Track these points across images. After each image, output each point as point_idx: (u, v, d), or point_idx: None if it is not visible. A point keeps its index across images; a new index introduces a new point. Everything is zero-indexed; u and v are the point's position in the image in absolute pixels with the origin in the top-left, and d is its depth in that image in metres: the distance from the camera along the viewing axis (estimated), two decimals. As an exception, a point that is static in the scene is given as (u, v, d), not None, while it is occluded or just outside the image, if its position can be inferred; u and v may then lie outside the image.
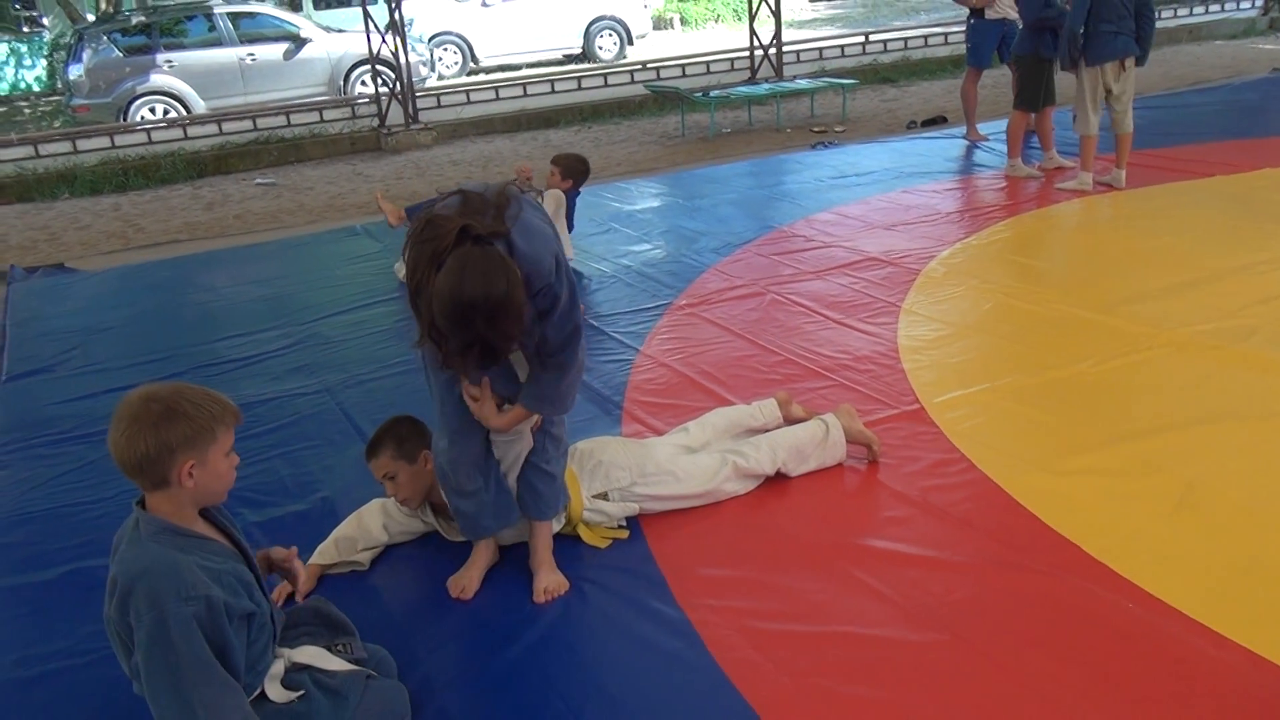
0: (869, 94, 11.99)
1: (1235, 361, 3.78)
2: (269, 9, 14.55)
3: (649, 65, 13.62)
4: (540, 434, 2.69)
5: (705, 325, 4.59)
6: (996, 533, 2.82)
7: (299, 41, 13.30)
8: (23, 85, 20.16)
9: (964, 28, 8.32)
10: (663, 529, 2.96)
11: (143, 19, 13.60)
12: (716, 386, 3.92)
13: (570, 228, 5.54)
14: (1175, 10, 15.46)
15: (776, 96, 10.65)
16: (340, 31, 13.85)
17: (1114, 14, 5.98)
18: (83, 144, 10.75)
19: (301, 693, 2.07)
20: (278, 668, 2.09)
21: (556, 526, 2.88)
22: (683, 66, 13.26)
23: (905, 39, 14.55)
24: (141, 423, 1.88)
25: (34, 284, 6.42)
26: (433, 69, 15.15)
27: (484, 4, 16.55)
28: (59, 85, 16.19)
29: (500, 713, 2.30)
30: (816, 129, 10.06)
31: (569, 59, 17.10)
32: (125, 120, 12.10)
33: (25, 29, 21.67)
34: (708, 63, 13.31)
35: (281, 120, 11.46)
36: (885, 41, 14.32)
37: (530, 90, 12.73)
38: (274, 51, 13.21)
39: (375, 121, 11.20)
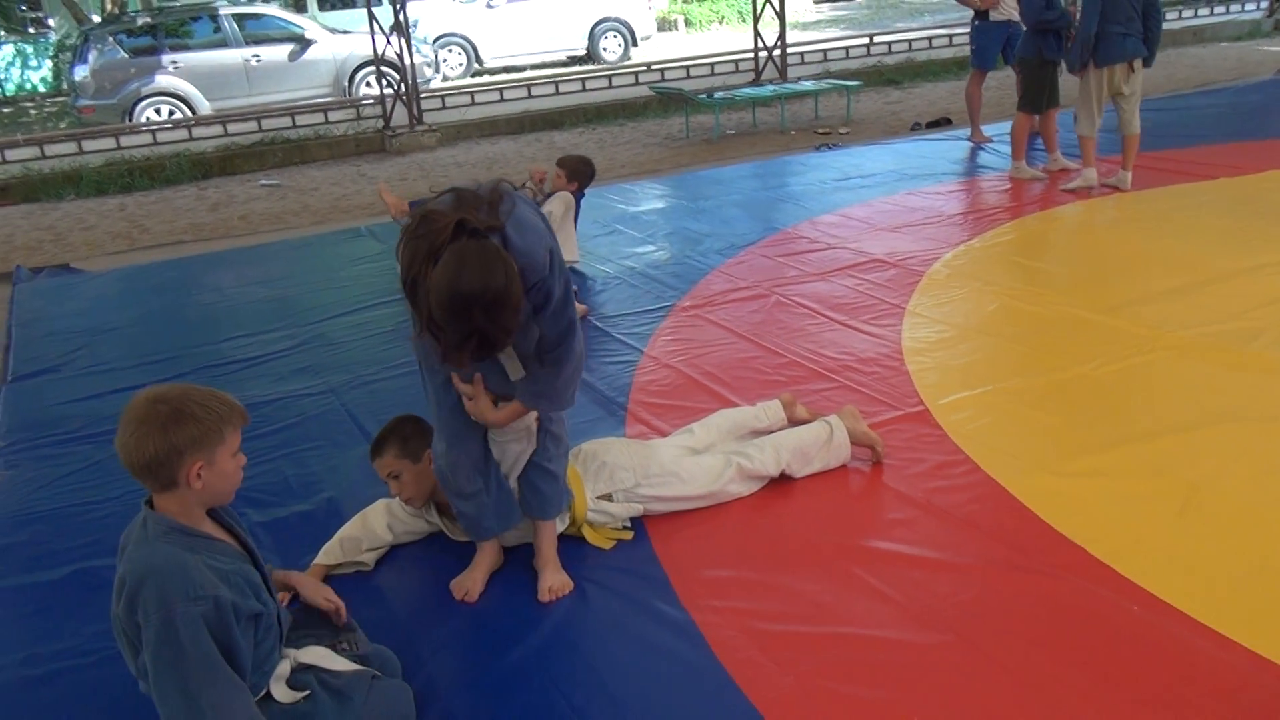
0: (873, 96, 11.99)
1: (1240, 364, 3.77)
2: (274, 10, 14.56)
3: (653, 67, 13.63)
4: (541, 432, 2.70)
5: (709, 326, 4.60)
6: (1000, 534, 2.82)
7: (304, 43, 13.32)
8: (28, 86, 20.20)
9: (968, 29, 8.32)
10: (667, 530, 2.96)
11: (148, 20, 13.62)
12: (721, 388, 3.92)
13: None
14: (1180, 12, 15.45)
15: (781, 98, 10.65)
16: (345, 33, 13.87)
17: (1122, 15, 5.98)
18: (88, 145, 10.78)
19: (307, 693, 2.08)
20: (283, 668, 2.09)
21: (561, 527, 2.88)
22: (687, 68, 13.27)
23: (910, 41, 14.54)
24: (149, 425, 1.88)
25: (39, 284, 6.44)
26: (437, 70, 15.17)
27: (489, 5, 16.58)
28: (64, 86, 16.24)
29: (504, 713, 2.31)
30: (821, 131, 10.06)
31: (573, 60, 17.12)
32: (130, 121, 12.13)
33: (31, 30, 21.71)
34: (712, 64, 13.31)
35: (286, 121, 11.48)
36: (890, 43, 14.31)
37: (535, 92, 12.74)
38: (279, 53, 13.23)
39: (380, 123, 11.21)
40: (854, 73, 12.64)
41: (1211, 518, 2.83)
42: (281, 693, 2.06)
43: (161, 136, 11.12)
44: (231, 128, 11.26)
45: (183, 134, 11.19)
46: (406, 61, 10.74)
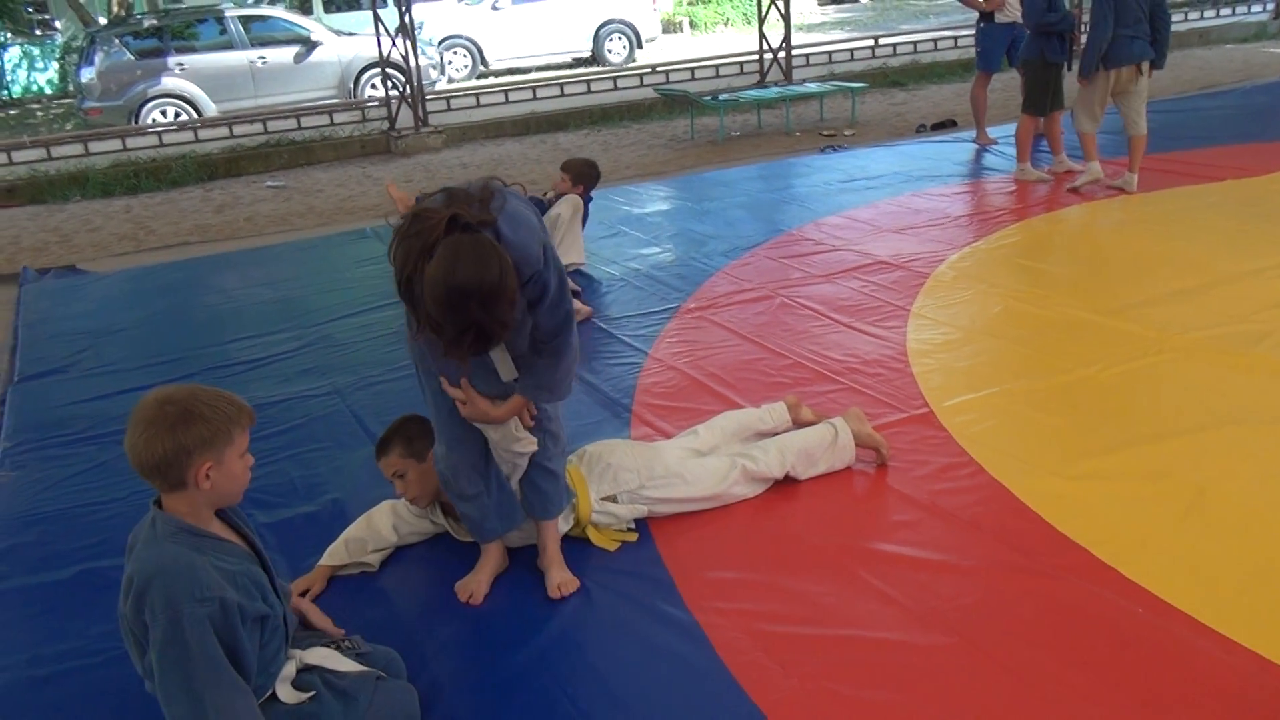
0: (878, 97, 11.98)
1: (1246, 366, 3.77)
2: (280, 12, 14.61)
3: (658, 69, 13.63)
4: (540, 431, 2.70)
5: (714, 328, 4.60)
6: (1005, 536, 2.81)
7: (309, 45, 13.35)
8: (35, 88, 20.25)
9: (973, 31, 8.31)
10: (671, 532, 2.96)
11: (154, 22, 13.66)
12: (725, 389, 3.92)
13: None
14: (1186, 14, 15.42)
15: (785, 100, 10.65)
16: (350, 35, 13.90)
17: (1131, 18, 5.99)
18: (94, 146, 10.80)
19: (312, 694, 2.08)
20: (289, 669, 2.10)
21: (565, 527, 2.89)
22: (692, 70, 13.27)
23: (914, 43, 14.53)
24: (158, 425, 1.89)
25: (45, 285, 6.46)
26: (442, 72, 15.20)
27: (494, 7, 16.60)
28: (71, 88, 16.28)
29: (508, 715, 2.31)
30: (825, 132, 10.06)
31: (578, 62, 17.13)
32: (136, 123, 12.15)
33: (37, 32, 21.77)
34: (717, 66, 13.31)
35: (292, 123, 11.49)
36: (894, 45, 14.30)
37: (539, 93, 12.75)
38: (285, 55, 13.25)
39: (385, 124, 11.23)
40: (859, 75, 12.64)
41: (1216, 520, 2.82)
42: (287, 694, 2.06)
43: (167, 138, 11.14)
44: (237, 129, 11.28)
45: (188, 136, 11.21)
46: (412, 63, 10.76)
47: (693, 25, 22.96)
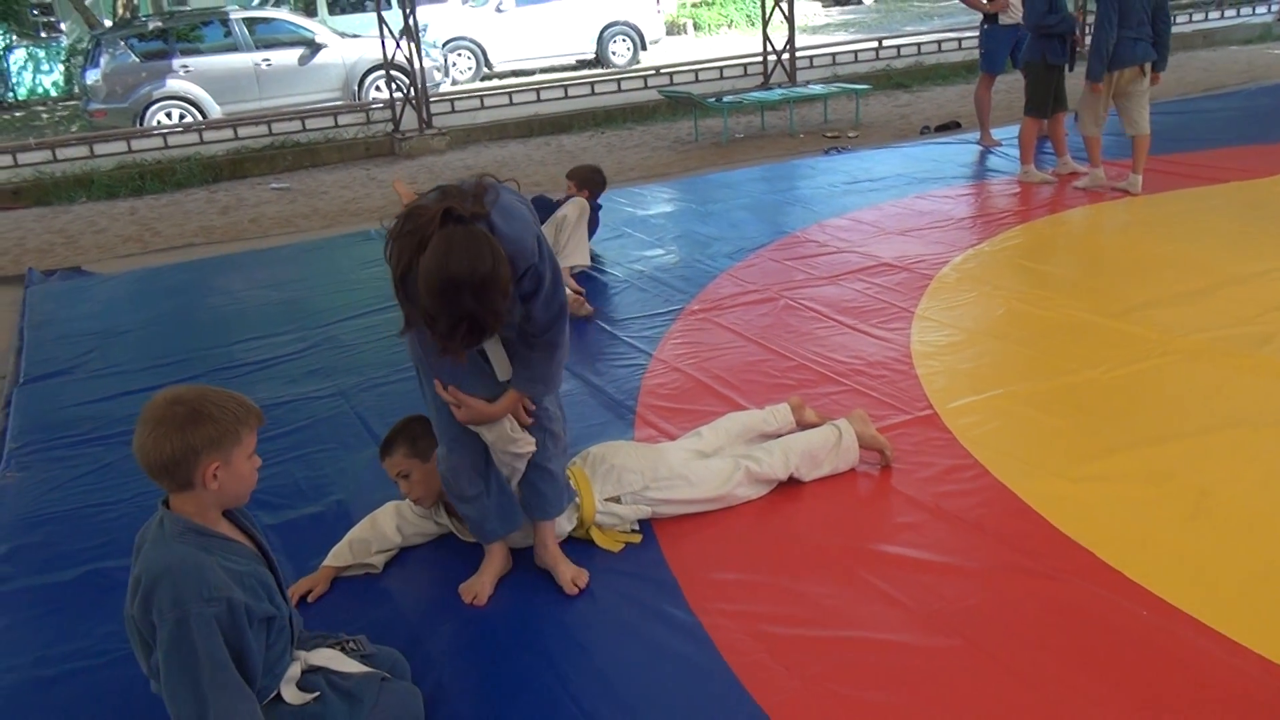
0: (882, 99, 11.98)
1: (1250, 368, 3.76)
2: (284, 14, 14.64)
3: (662, 70, 13.65)
4: (540, 431, 2.70)
5: (718, 330, 4.60)
6: (1010, 538, 2.81)
7: (314, 47, 13.37)
8: (40, 90, 20.29)
9: (977, 33, 8.31)
10: (675, 533, 2.97)
11: (159, 24, 13.68)
12: (729, 391, 3.93)
13: (590, 236, 5.59)
14: (1190, 15, 15.41)
15: (789, 102, 10.65)
16: (355, 37, 13.92)
17: (1134, 20, 6.02)
18: (99, 148, 10.83)
19: (317, 694, 2.09)
20: (294, 670, 2.10)
21: (568, 527, 2.90)
22: (696, 72, 13.28)
23: (919, 44, 14.52)
24: (167, 425, 1.90)
25: (51, 287, 6.48)
26: (446, 74, 15.21)
27: (498, 9, 16.62)
28: (76, 90, 16.32)
29: (512, 716, 2.31)
30: (829, 134, 10.06)
31: (582, 64, 17.14)
32: (142, 125, 12.18)
33: (43, 34, 21.82)
34: (721, 68, 13.32)
35: (296, 125, 11.52)
36: (899, 47, 14.30)
37: (544, 95, 12.76)
38: (289, 57, 13.29)
39: (389, 126, 11.25)
40: (863, 76, 12.64)
41: (1221, 522, 2.82)
42: (292, 695, 2.07)
43: (172, 140, 11.16)
44: (242, 131, 11.31)
45: (193, 138, 11.23)
46: (416, 65, 10.77)
47: (697, 27, 22.97)
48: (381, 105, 11.80)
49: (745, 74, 13.17)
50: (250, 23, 13.43)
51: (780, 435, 3.32)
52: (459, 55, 16.39)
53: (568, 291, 4.98)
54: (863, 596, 2.62)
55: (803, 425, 3.40)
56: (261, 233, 7.86)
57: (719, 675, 2.37)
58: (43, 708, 2.47)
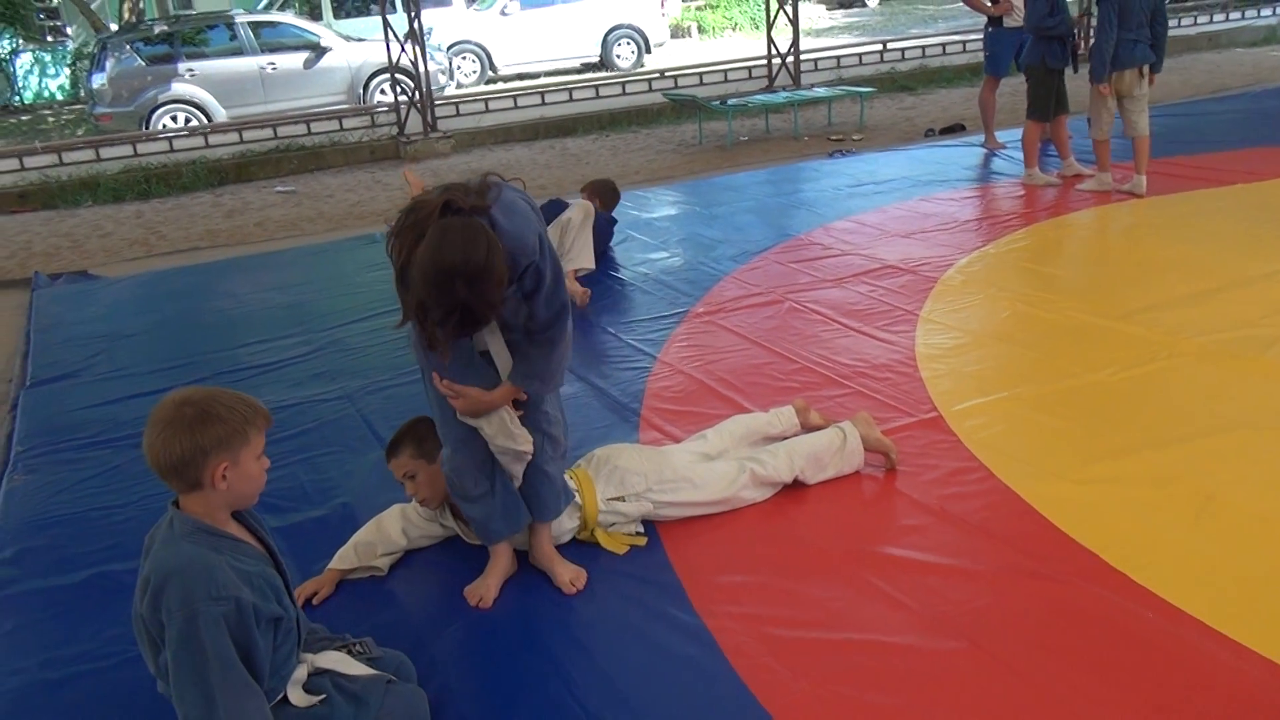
0: (887, 102, 11.98)
1: (1256, 371, 3.76)
2: (290, 18, 14.67)
3: (667, 74, 13.66)
4: (538, 434, 2.71)
5: (723, 333, 4.60)
6: (1015, 541, 2.81)
7: (319, 50, 13.40)
8: (46, 94, 20.36)
9: (981, 36, 8.31)
10: (680, 536, 2.97)
11: (165, 28, 13.72)
12: (734, 394, 3.93)
13: (603, 248, 5.64)
14: (1195, 18, 15.39)
15: (794, 105, 10.65)
16: (360, 40, 13.95)
17: (1134, 23, 6.05)
18: (106, 152, 10.86)
19: (323, 696, 2.09)
20: (300, 672, 2.11)
21: (571, 526, 2.90)
22: (700, 75, 13.29)
23: (923, 47, 14.52)
24: (176, 425, 1.91)
25: (58, 291, 6.49)
26: (451, 78, 15.23)
27: (502, 13, 16.64)
28: (82, 94, 16.36)
29: (518, 718, 2.32)
30: (834, 137, 10.06)
31: (587, 67, 17.16)
32: (147, 128, 12.22)
33: (49, 38, 21.89)
34: (725, 71, 13.33)
35: (302, 128, 11.55)
36: (903, 49, 14.30)
37: (548, 99, 12.78)
38: (294, 60, 13.32)
39: (394, 130, 11.27)
40: (867, 79, 12.64)
41: (1226, 524, 2.82)
42: (298, 697, 2.07)
43: (178, 144, 11.20)
44: (247, 135, 11.34)
45: (199, 141, 11.26)
46: (421, 69, 10.80)
47: (701, 30, 22.98)
48: (386, 109, 11.82)
49: (750, 77, 13.18)
50: (255, 26, 13.46)
51: (785, 438, 3.33)
52: (464, 59, 16.41)
53: (575, 288, 5.00)
54: (867, 599, 2.62)
55: (807, 428, 3.40)
56: (267, 236, 7.88)
57: (724, 678, 2.37)
58: (49, 710, 2.48)
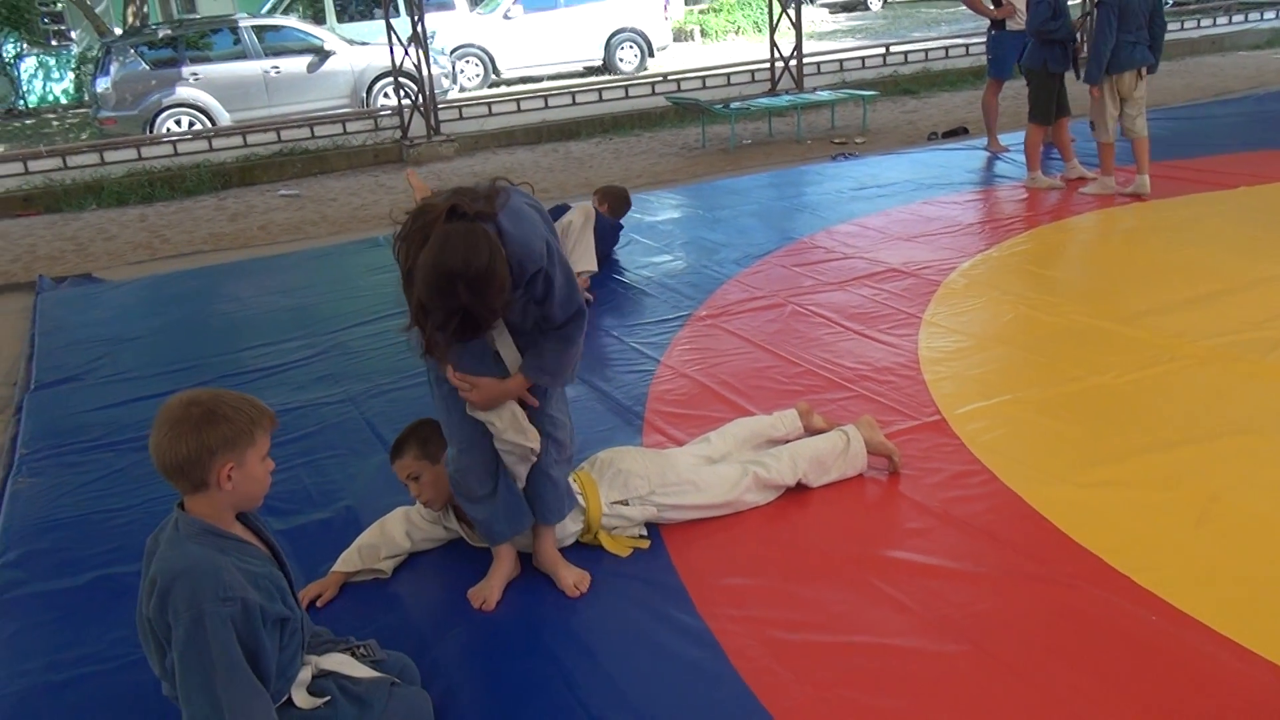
0: (889, 105, 11.99)
1: (1259, 374, 3.76)
2: (293, 22, 14.70)
3: (669, 77, 13.68)
4: (544, 437, 2.71)
5: (726, 336, 4.61)
6: (1018, 544, 2.81)
7: (323, 54, 13.43)
8: (51, 98, 20.42)
9: (985, 39, 8.32)
10: (684, 539, 2.97)
11: (169, 32, 13.76)
12: (737, 397, 3.93)
13: (607, 252, 5.64)
14: (1199, 21, 15.39)
15: (797, 108, 10.66)
16: (363, 44, 13.97)
17: (1133, 25, 6.08)
18: (110, 156, 10.89)
19: (327, 698, 2.10)
20: (305, 674, 2.11)
21: (574, 529, 2.90)
22: (703, 78, 13.31)
23: (926, 50, 14.54)
24: (183, 425, 1.92)
25: (62, 294, 6.51)
26: (454, 81, 15.25)
27: (506, 17, 16.66)
28: (86, 98, 16.39)
29: (522, 720, 2.32)
30: (837, 140, 10.07)
31: (590, 71, 17.18)
32: (151, 132, 12.24)
33: (53, 42, 21.94)
34: (728, 74, 13.35)
35: (305, 132, 11.57)
36: (906, 53, 14.32)
37: (551, 102, 12.80)
38: (298, 64, 13.34)
39: (398, 133, 11.29)
40: (870, 82, 12.65)
41: (1230, 528, 2.82)
42: (302, 699, 2.08)
43: (182, 147, 11.22)
44: (251, 139, 11.37)
45: (203, 145, 11.29)
46: (424, 72, 10.82)
47: (704, 34, 23.00)
48: (390, 112, 11.84)
49: (753, 80, 13.20)
50: (259, 30, 13.49)
51: (788, 441, 3.33)
52: (467, 62, 16.43)
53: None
54: (871, 602, 2.62)
55: (810, 431, 3.40)
56: (270, 239, 7.89)
57: (727, 680, 2.37)
58: (54, 712, 2.49)
